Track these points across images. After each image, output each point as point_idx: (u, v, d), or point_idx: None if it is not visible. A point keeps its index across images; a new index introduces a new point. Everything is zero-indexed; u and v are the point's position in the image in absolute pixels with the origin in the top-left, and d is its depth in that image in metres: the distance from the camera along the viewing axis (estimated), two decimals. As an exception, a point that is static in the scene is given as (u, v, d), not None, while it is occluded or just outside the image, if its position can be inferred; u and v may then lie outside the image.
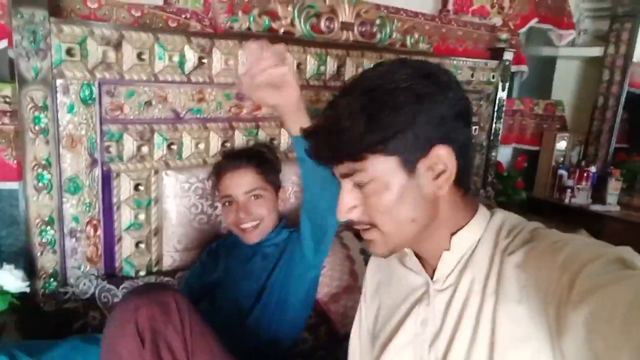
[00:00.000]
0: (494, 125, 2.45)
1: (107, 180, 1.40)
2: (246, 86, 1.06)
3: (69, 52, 1.26)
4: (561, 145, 2.95)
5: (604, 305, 0.51)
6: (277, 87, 1.06)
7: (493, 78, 2.36)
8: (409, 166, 0.69)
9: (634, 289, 0.51)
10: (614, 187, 2.75)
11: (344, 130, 0.69)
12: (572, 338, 0.55)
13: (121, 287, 1.41)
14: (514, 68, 2.60)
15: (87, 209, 1.37)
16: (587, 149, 3.02)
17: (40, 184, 1.28)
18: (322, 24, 1.74)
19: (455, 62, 2.17)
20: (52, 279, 1.34)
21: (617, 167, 2.82)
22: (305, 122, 1.08)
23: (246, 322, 1.28)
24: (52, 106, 1.26)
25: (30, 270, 1.30)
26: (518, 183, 2.69)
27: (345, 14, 1.79)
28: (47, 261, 1.33)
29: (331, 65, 1.76)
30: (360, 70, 1.80)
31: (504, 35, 2.43)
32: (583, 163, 2.89)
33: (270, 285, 1.31)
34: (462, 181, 0.73)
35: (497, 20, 2.54)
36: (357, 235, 1.70)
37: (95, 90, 1.32)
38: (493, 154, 2.51)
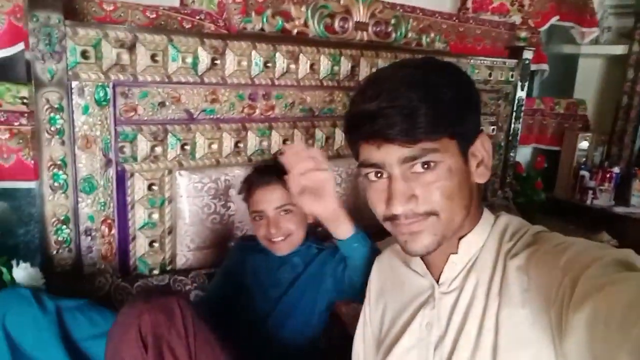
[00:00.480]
0: (512, 125, 2.41)
1: (121, 180, 1.42)
2: (292, 189, 1.00)
3: (84, 54, 1.28)
4: (583, 145, 2.88)
5: (603, 307, 0.51)
6: (318, 195, 1.00)
7: (512, 77, 2.32)
8: (464, 151, 0.71)
9: (633, 290, 0.50)
10: (638, 188, 2.69)
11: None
12: (574, 340, 0.54)
13: (135, 285, 1.44)
14: (534, 67, 2.56)
15: (102, 208, 1.40)
16: (610, 149, 2.96)
17: (56, 184, 1.30)
18: (336, 24, 1.74)
19: (472, 61, 2.14)
20: (67, 277, 1.37)
21: (642, 167, 2.75)
22: (347, 228, 1.07)
23: (264, 327, 1.30)
24: (67, 107, 1.29)
25: (47, 268, 1.33)
26: (537, 184, 2.65)
27: (360, 14, 1.78)
28: (62, 259, 1.36)
29: (345, 66, 1.76)
30: (375, 70, 1.79)
31: (523, 34, 2.39)
32: (606, 164, 2.83)
33: (291, 293, 1.33)
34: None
35: (516, 19, 2.50)
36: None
37: (109, 91, 1.34)
38: (511, 154, 2.47)
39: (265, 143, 1.66)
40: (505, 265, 0.70)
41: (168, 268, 1.55)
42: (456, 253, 0.75)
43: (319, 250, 1.37)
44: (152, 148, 1.45)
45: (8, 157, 1.37)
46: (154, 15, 1.51)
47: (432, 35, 2.02)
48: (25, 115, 1.36)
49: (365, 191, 0.77)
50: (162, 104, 1.44)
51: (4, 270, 1.25)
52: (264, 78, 1.59)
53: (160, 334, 0.92)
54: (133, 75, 1.37)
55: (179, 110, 1.47)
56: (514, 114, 2.39)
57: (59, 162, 1.30)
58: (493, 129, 2.35)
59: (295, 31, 1.66)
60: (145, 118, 1.42)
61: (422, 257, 0.80)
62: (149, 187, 1.47)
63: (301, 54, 1.65)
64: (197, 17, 1.59)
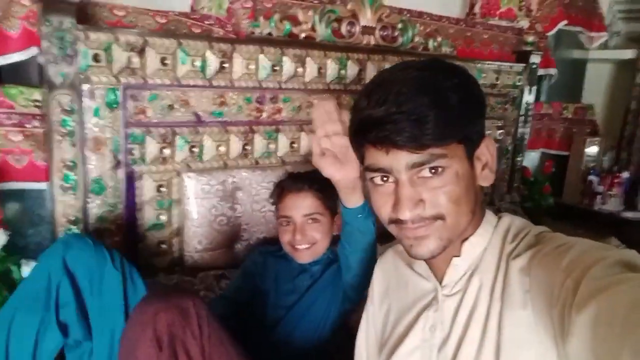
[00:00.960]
0: (519, 130, 2.41)
1: (130, 181, 1.44)
2: (314, 148, 0.93)
3: (95, 57, 1.31)
4: (591, 150, 2.86)
5: (605, 308, 0.51)
6: (340, 162, 0.91)
7: (519, 81, 2.32)
8: (470, 156, 0.71)
9: (635, 290, 0.50)
10: (646, 193, 2.66)
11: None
12: (576, 341, 0.54)
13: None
14: (542, 71, 2.55)
15: (111, 209, 1.42)
16: (619, 154, 2.94)
17: (66, 185, 1.33)
18: (343, 29, 1.76)
19: (479, 65, 2.14)
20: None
21: (651, 173, 2.73)
22: (358, 199, 1.01)
23: (275, 332, 1.32)
24: (78, 110, 1.31)
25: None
26: (545, 188, 2.64)
27: (367, 18, 1.79)
28: (72, 259, 1.37)
29: (352, 70, 1.77)
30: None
31: (531, 38, 2.39)
32: (615, 169, 2.81)
33: (304, 299, 1.34)
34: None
35: (524, 23, 2.50)
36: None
37: (119, 94, 1.37)
38: (519, 158, 2.46)
39: (272, 146, 1.67)
40: (508, 266, 0.70)
41: (176, 269, 1.57)
42: (459, 255, 0.75)
43: (334, 258, 1.38)
44: (161, 150, 1.47)
45: (21, 159, 1.39)
46: (164, 20, 1.53)
47: (439, 39, 2.03)
48: (38, 117, 1.38)
49: (370, 194, 0.77)
50: (171, 107, 1.46)
51: (15, 269, 1.27)
52: (271, 82, 1.61)
53: (175, 334, 0.93)
54: (143, 79, 1.39)
55: (187, 113, 1.49)
56: (522, 118, 2.39)
57: (69, 164, 1.32)
58: (500, 133, 2.35)
59: (302, 35, 1.68)
60: (155, 120, 1.44)
61: (426, 260, 0.80)
62: (158, 189, 1.49)
63: (308, 58, 1.67)
64: (206, 22, 1.61)
